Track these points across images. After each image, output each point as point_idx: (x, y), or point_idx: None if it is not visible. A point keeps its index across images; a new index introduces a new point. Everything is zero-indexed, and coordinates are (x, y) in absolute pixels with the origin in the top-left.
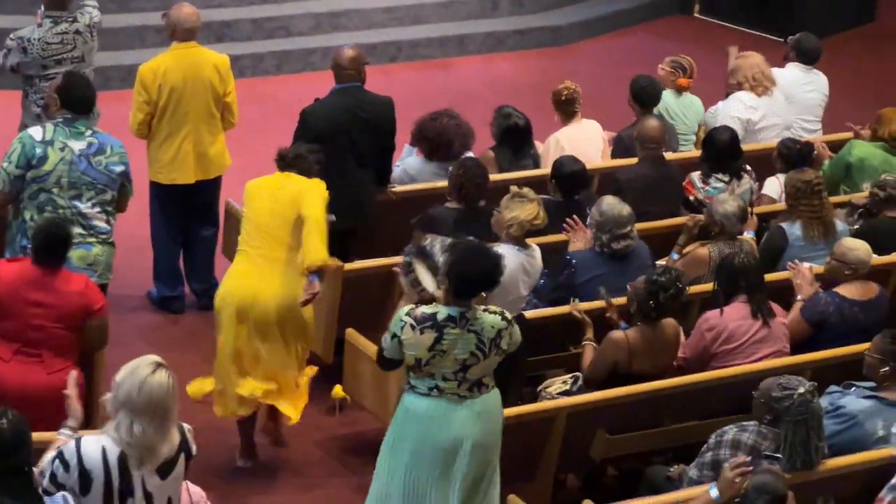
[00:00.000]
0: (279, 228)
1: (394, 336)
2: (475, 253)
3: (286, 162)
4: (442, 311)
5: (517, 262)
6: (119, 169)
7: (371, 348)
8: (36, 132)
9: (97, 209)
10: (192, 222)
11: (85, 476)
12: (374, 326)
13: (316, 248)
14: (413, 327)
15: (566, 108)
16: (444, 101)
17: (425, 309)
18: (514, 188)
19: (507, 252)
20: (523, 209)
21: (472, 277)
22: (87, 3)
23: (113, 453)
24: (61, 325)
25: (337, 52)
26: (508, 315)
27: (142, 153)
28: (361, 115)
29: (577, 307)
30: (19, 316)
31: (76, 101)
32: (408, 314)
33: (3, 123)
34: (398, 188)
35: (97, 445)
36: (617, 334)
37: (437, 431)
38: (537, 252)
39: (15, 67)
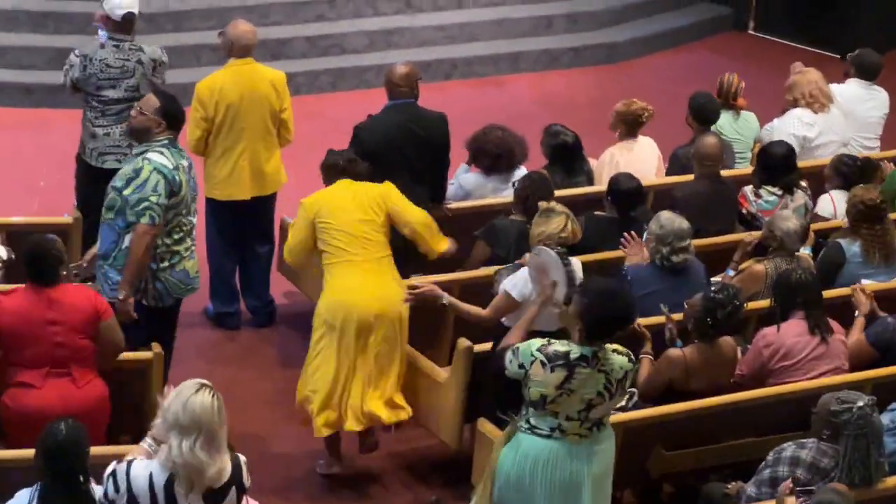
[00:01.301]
0: (374, 232)
1: (521, 366)
2: (610, 295)
3: (340, 169)
4: (574, 350)
5: (556, 276)
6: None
7: (427, 365)
8: (163, 160)
9: (195, 219)
10: (247, 239)
11: (132, 500)
12: (430, 344)
13: (439, 243)
14: (543, 364)
15: (633, 128)
16: (498, 119)
17: (557, 346)
18: (542, 204)
19: (559, 261)
20: (550, 223)
21: (609, 320)
22: (160, 51)
23: (160, 479)
24: (80, 335)
25: (390, 69)
26: (633, 356)
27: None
28: (415, 131)
29: (637, 321)
30: (40, 339)
31: (178, 120)
32: (539, 349)
33: (64, 140)
34: (453, 205)
35: (145, 471)
36: (674, 352)
37: (559, 474)
38: (576, 264)
39: (74, 82)
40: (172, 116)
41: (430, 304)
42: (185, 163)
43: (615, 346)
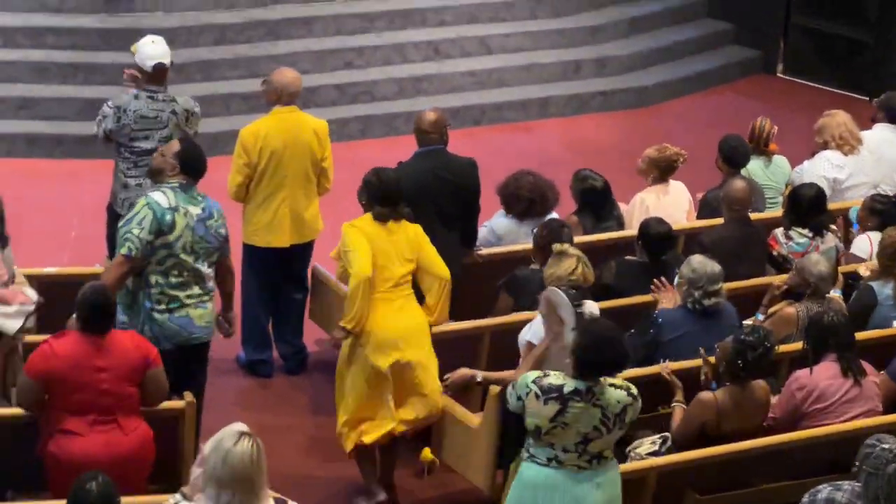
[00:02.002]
0: (407, 273)
1: (518, 398)
2: (606, 341)
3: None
4: (569, 384)
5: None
6: (224, 232)
7: (459, 411)
8: (161, 198)
9: (210, 269)
10: (283, 285)
11: None
12: (462, 389)
13: (444, 310)
14: (537, 396)
15: (666, 173)
16: (528, 164)
17: (552, 379)
18: (556, 246)
19: (589, 307)
20: (560, 265)
21: (599, 362)
22: (192, 102)
23: None
24: (127, 383)
25: (419, 115)
26: (634, 390)
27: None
28: (445, 177)
29: (668, 368)
30: (88, 386)
31: (195, 167)
32: (534, 381)
33: (95, 191)
34: (484, 250)
35: None
36: (706, 395)
37: (558, 498)
38: (591, 306)
39: (108, 134)
40: (188, 162)
41: (467, 384)
42: (194, 209)
43: (614, 380)
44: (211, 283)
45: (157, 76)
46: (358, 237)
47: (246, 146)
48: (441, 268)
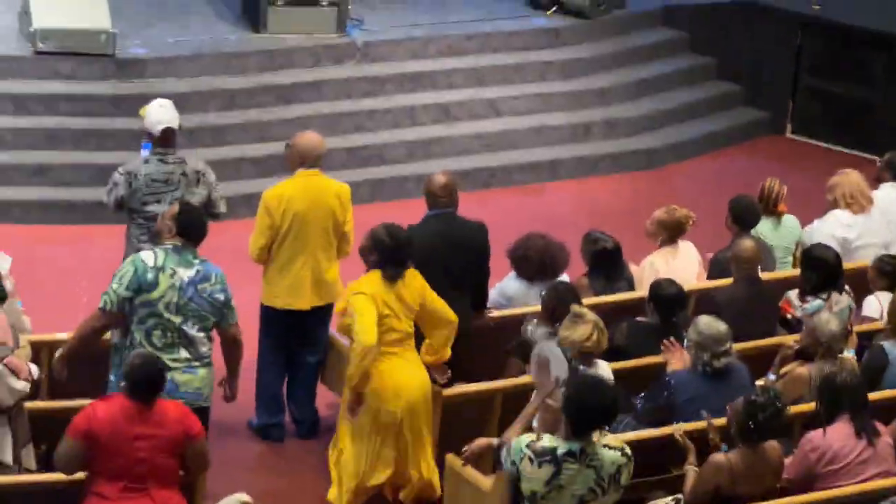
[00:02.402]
0: (410, 325)
1: (512, 463)
2: (591, 386)
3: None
4: (562, 446)
5: None
6: (221, 297)
7: (470, 474)
8: (148, 257)
9: (202, 334)
10: (299, 348)
11: None
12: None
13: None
14: (531, 460)
15: (675, 235)
16: (538, 226)
17: (545, 442)
18: (575, 308)
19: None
20: (576, 330)
21: (590, 413)
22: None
23: None
24: (165, 454)
25: (429, 179)
26: (628, 451)
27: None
28: (456, 240)
29: (680, 430)
30: (124, 452)
31: (192, 230)
32: (528, 446)
33: (107, 256)
34: (495, 313)
35: None
36: (718, 457)
37: None
38: (604, 367)
39: (119, 201)
40: (184, 225)
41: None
42: (185, 271)
43: (608, 440)
44: (205, 349)
45: (167, 139)
46: (366, 304)
47: (270, 208)
48: (448, 312)
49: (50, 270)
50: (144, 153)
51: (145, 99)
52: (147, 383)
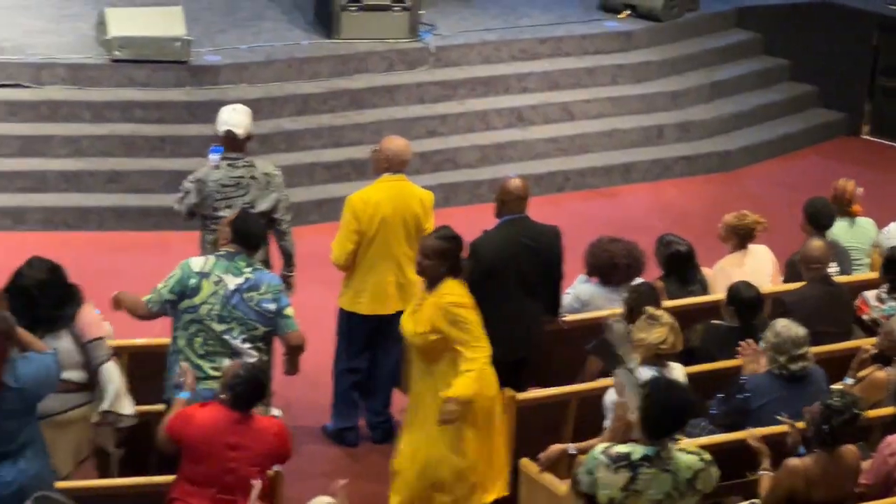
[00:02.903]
0: None
1: (589, 472)
2: (666, 392)
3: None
4: (637, 451)
5: None
6: (272, 307)
7: (546, 478)
8: (196, 263)
9: (248, 345)
10: (378, 353)
11: None
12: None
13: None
14: (607, 466)
15: (745, 240)
16: (612, 230)
17: (620, 448)
18: (649, 310)
19: (643, 373)
20: (651, 332)
21: (665, 417)
22: (271, 166)
23: None
24: (256, 467)
25: (502, 183)
26: (707, 455)
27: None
28: (529, 245)
29: (754, 434)
30: (216, 460)
31: (247, 237)
32: (603, 452)
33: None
34: (568, 317)
35: None
36: (793, 462)
37: None
38: (678, 370)
39: (191, 209)
40: (238, 232)
41: (561, 459)
42: (233, 278)
43: (684, 444)
44: (251, 362)
45: (236, 143)
46: (473, 315)
47: (357, 213)
48: None
49: (125, 277)
50: (214, 157)
51: (219, 105)
52: (250, 391)
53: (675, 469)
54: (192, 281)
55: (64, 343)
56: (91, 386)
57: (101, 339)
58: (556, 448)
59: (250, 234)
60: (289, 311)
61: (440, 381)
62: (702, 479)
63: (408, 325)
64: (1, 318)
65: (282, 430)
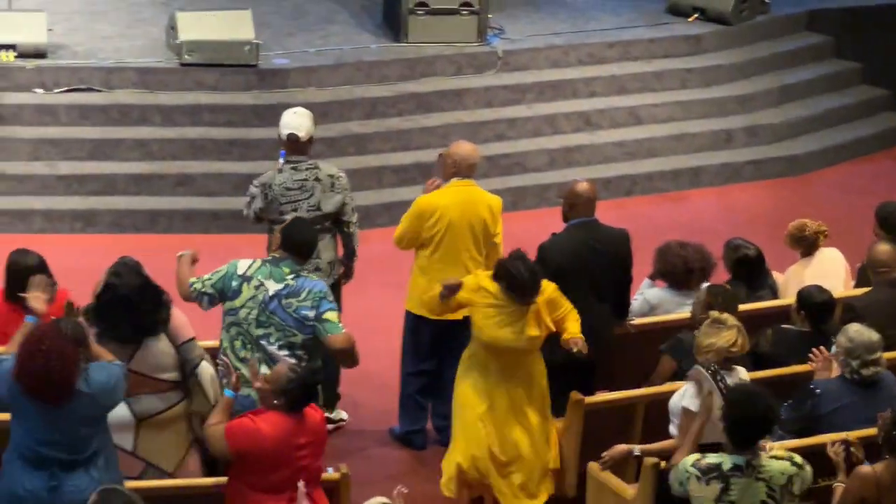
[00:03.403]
0: None
1: (680, 484)
2: (748, 396)
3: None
4: (727, 461)
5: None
6: (311, 314)
7: (613, 482)
8: (242, 264)
9: (284, 351)
10: (445, 356)
11: None
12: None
13: None
14: (698, 479)
15: (811, 248)
16: (680, 234)
17: (710, 459)
18: (713, 313)
19: (709, 377)
20: (720, 336)
21: (748, 424)
22: (335, 168)
23: None
24: (317, 457)
25: (570, 187)
26: (798, 458)
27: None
28: (598, 248)
29: (835, 444)
30: (290, 464)
31: (294, 244)
32: (693, 465)
33: None
34: (637, 321)
35: None
36: (864, 469)
37: None
38: (742, 373)
39: (258, 213)
40: (287, 239)
41: (624, 460)
42: (273, 284)
43: (776, 451)
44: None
45: (299, 147)
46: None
47: (422, 216)
48: None
49: None
50: (281, 161)
51: (286, 108)
52: (304, 394)
53: (769, 476)
54: (234, 283)
55: (162, 345)
56: (183, 384)
57: (193, 339)
58: (620, 448)
59: (298, 242)
60: (329, 315)
61: (523, 376)
62: (797, 483)
63: (518, 334)
64: (76, 327)
65: (321, 414)
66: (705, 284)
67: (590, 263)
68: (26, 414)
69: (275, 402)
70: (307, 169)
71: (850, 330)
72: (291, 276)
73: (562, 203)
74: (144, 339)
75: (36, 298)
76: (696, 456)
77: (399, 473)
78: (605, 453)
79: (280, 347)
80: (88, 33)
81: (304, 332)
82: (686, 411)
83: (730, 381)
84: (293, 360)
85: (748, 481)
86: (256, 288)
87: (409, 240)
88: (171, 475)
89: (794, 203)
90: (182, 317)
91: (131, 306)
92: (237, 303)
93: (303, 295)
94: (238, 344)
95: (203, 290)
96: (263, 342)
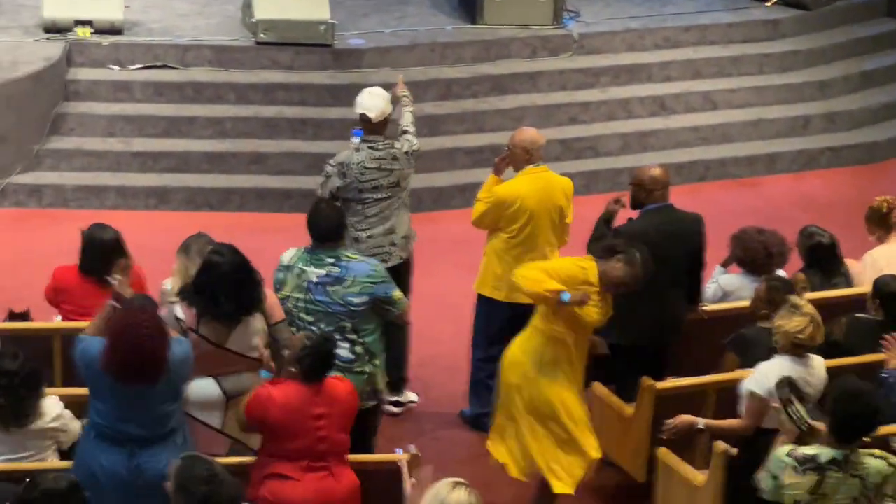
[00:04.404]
0: None
1: (774, 477)
2: (857, 395)
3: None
4: (825, 453)
5: (793, 373)
6: (360, 300)
7: (683, 468)
8: (286, 255)
9: (336, 336)
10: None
11: None
12: (686, 447)
13: None
14: (795, 469)
15: (885, 222)
16: (754, 220)
17: (807, 450)
18: (793, 298)
19: (780, 364)
20: (791, 321)
21: (856, 421)
22: (407, 130)
23: None
24: (340, 429)
25: (643, 172)
26: (894, 459)
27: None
28: (673, 233)
29: None
30: (305, 433)
31: (311, 228)
32: (789, 455)
33: None
34: (709, 307)
35: None
36: None
37: None
38: (817, 362)
39: (334, 193)
40: (308, 224)
41: (689, 432)
42: (315, 270)
43: (873, 449)
44: (344, 353)
45: (376, 127)
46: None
47: (501, 206)
48: None
49: (265, 259)
50: (354, 140)
51: (360, 88)
52: (323, 362)
53: (866, 474)
54: (280, 275)
55: (258, 323)
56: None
57: (285, 320)
58: (684, 418)
59: (313, 225)
60: (395, 294)
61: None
62: (892, 484)
63: (603, 316)
64: (154, 303)
65: (351, 387)
66: (772, 273)
67: (665, 249)
68: (108, 393)
69: (292, 370)
70: (384, 148)
71: None
72: (331, 261)
73: (632, 188)
74: (244, 317)
75: (122, 283)
76: (789, 446)
77: (469, 456)
78: (668, 421)
79: (331, 332)
80: (165, 10)
81: (354, 317)
82: (752, 394)
83: (805, 387)
84: (345, 348)
85: (844, 476)
86: (298, 276)
87: (489, 223)
88: (256, 453)
89: (872, 191)
90: (273, 297)
91: (234, 284)
92: (284, 293)
93: (348, 282)
94: (294, 330)
95: (277, 280)
96: (314, 328)
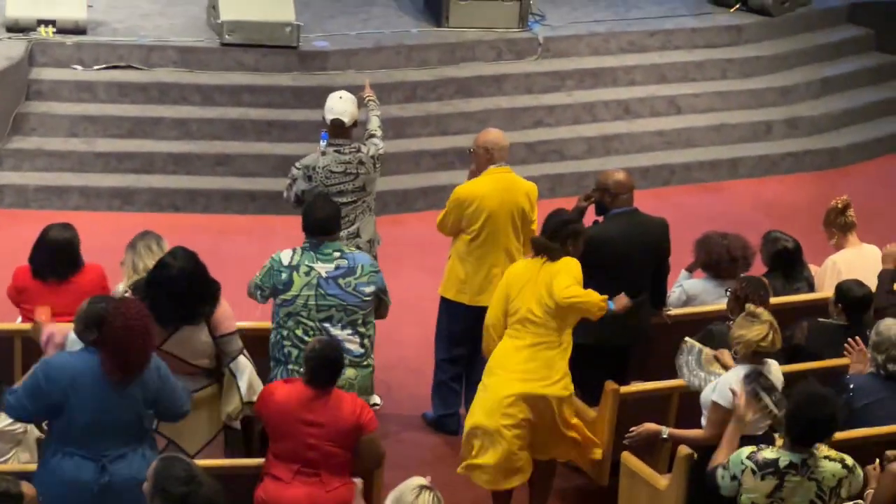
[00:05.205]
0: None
1: (733, 477)
2: (815, 400)
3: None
4: (784, 457)
5: None
6: (369, 289)
7: (645, 471)
8: (285, 256)
9: (348, 331)
10: (479, 343)
11: None
12: (649, 451)
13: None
14: (754, 472)
15: (841, 220)
16: (717, 225)
17: (767, 454)
18: (749, 307)
19: (740, 373)
20: (751, 329)
21: (813, 425)
22: (374, 134)
23: None
24: (335, 444)
25: (608, 176)
26: (850, 461)
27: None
28: (638, 237)
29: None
30: (294, 436)
31: (310, 223)
32: (749, 457)
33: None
34: (673, 311)
35: None
36: (894, 467)
37: None
38: (775, 367)
39: (300, 196)
40: (304, 217)
41: (652, 440)
42: (324, 265)
43: (828, 451)
44: (353, 347)
45: (342, 131)
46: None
47: (461, 206)
48: None
49: (229, 260)
50: (322, 144)
51: (327, 91)
52: (327, 368)
53: (821, 477)
54: (283, 275)
55: (201, 334)
56: (216, 372)
57: (234, 333)
58: (649, 426)
59: (313, 220)
60: (385, 287)
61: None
62: (846, 486)
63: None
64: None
65: (361, 406)
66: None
67: (631, 252)
68: (87, 399)
69: (301, 370)
70: (350, 152)
71: (879, 325)
72: (338, 254)
73: (597, 192)
74: (182, 324)
75: (35, 328)
76: (751, 448)
77: (432, 458)
78: (633, 428)
79: (343, 328)
80: (129, 10)
81: (364, 308)
82: (715, 405)
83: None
84: (356, 342)
85: (801, 480)
86: (307, 274)
87: (451, 226)
88: (191, 458)
89: (832, 196)
90: (228, 309)
91: (176, 291)
92: (292, 293)
93: (358, 271)
94: (300, 332)
95: (254, 286)
96: (327, 325)
